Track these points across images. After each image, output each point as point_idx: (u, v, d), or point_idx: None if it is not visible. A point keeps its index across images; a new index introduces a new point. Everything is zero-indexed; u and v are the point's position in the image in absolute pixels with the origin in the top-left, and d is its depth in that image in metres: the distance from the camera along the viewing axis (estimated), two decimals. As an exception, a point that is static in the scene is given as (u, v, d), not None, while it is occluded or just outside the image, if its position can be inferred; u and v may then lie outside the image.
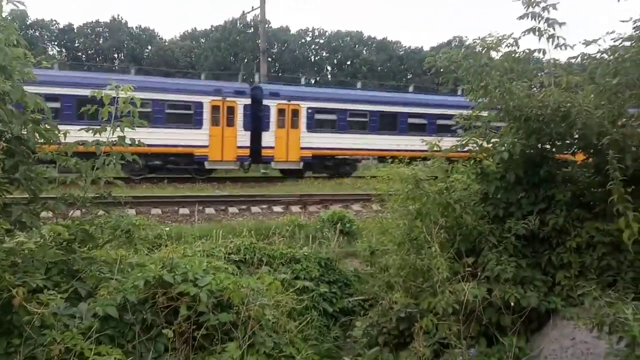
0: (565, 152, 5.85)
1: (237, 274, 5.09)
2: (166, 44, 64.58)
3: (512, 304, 4.68)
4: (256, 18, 32.67)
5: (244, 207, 14.37)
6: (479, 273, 4.92)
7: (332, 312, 6.47)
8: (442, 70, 6.17)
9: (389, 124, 24.38)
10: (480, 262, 5.04)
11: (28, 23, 57.07)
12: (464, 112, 6.19)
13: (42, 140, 5.02)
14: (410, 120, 24.48)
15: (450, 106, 24.25)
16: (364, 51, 70.29)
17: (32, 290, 3.61)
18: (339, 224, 10.12)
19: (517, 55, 5.75)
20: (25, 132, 4.99)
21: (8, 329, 3.48)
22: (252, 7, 32.35)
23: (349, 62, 69.06)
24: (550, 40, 5.53)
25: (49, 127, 5.26)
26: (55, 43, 60.94)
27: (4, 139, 4.68)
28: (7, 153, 4.66)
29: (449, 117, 7.17)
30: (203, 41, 65.55)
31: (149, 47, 63.87)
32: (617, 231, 4.64)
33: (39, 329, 3.43)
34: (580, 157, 5.92)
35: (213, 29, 64.61)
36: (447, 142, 6.02)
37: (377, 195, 7.96)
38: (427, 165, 5.83)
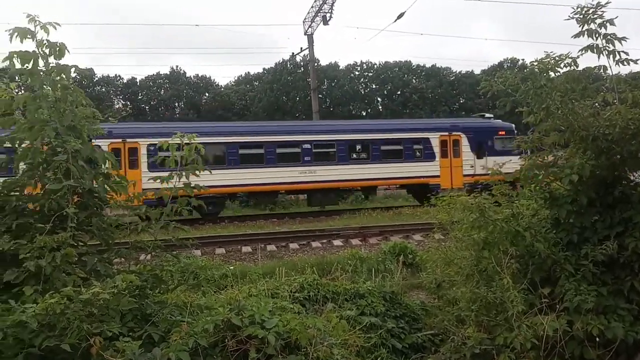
0: None
1: (302, 313, 5.07)
2: (222, 89, 67.37)
3: (595, 336, 4.37)
4: (305, 58, 33.58)
5: (304, 242, 14.43)
6: (557, 304, 4.64)
7: (402, 348, 6.26)
8: (497, 93, 6.05)
9: (254, 156, 21.92)
10: (558, 293, 4.77)
11: (95, 80, 61.46)
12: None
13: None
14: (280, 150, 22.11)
15: (319, 131, 23.26)
16: (414, 80, 70.23)
17: (109, 337, 3.74)
18: (402, 255, 9.92)
19: (577, 74, 5.56)
20: (97, 186, 5.32)
21: (88, 377, 3.60)
22: (301, 48, 33.44)
23: (399, 92, 69.12)
24: (611, 56, 5.32)
25: (118, 179, 5.61)
26: (121, 97, 65.06)
27: (77, 193, 4.97)
28: (80, 206, 4.94)
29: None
30: (256, 84, 67.87)
31: (206, 94, 66.83)
32: None
33: (116, 376, 3.52)
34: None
35: (265, 71, 66.87)
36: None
37: (439, 225, 7.77)
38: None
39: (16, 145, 5.15)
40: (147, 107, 63.38)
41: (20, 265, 4.05)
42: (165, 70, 65.77)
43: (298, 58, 55.72)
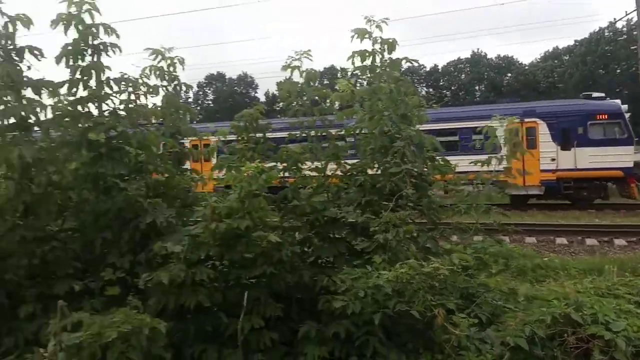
0: None
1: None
2: (526, 67, 63.31)
3: None
4: (630, 22, 28.42)
5: (633, 239, 12.38)
6: None
7: None
8: None
9: None
10: None
11: (402, 70, 66.15)
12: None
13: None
14: None
15: None
16: None
17: (446, 311, 3.99)
18: None
19: None
20: (425, 169, 5.73)
21: (428, 345, 3.94)
22: (626, 12, 28.52)
23: None
24: None
25: (442, 162, 5.94)
26: (424, 85, 68.08)
27: (411, 175, 5.43)
28: (414, 187, 5.39)
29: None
30: (566, 58, 61.20)
31: (509, 74, 63.90)
32: None
33: (454, 348, 3.75)
34: None
35: (577, 44, 59.59)
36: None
37: None
38: None
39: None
40: (447, 93, 64.79)
41: (369, 237, 4.68)
42: (466, 54, 65.80)
43: (620, 24, 47.73)
